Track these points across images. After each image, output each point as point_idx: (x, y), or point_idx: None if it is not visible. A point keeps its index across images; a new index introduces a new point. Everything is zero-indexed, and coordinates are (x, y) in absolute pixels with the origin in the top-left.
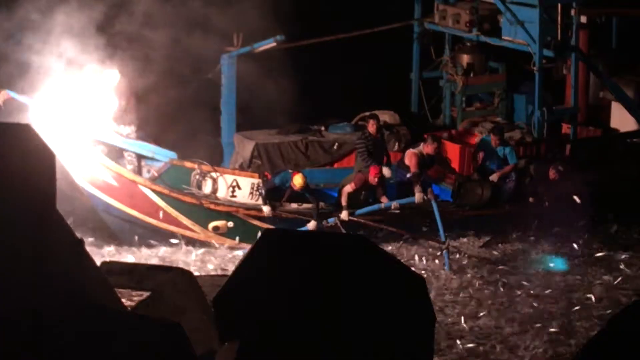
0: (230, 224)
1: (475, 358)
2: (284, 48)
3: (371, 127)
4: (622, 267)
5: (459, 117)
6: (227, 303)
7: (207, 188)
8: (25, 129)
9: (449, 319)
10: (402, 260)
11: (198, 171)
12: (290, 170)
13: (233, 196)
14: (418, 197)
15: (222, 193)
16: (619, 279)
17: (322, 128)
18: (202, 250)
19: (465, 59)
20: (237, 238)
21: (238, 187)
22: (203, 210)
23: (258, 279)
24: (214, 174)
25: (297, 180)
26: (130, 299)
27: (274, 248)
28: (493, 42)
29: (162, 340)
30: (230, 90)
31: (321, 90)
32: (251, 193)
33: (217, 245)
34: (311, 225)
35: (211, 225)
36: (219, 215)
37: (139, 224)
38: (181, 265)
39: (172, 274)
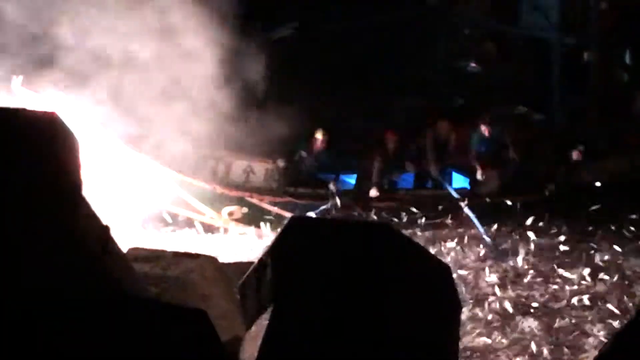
0: (244, 209)
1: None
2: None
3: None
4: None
5: None
6: (254, 290)
7: (221, 173)
8: (51, 116)
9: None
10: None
11: (212, 156)
12: None
13: (247, 181)
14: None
15: (236, 178)
16: None
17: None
18: (220, 236)
19: (489, 47)
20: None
21: (252, 173)
22: (216, 196)
23: (284, 265)
24: (227, 159)
25: (319, 134)
26: (157, 285)
27: (301, 235)
28: (513, 30)
29: (188, 328)
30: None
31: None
32: (265, 179)
33: (232, 231)
34: (373, 192)
35: (225, 210)
36: (232, 200)
37: (152, 209)
38: (202, 251)
39: (198, 260)
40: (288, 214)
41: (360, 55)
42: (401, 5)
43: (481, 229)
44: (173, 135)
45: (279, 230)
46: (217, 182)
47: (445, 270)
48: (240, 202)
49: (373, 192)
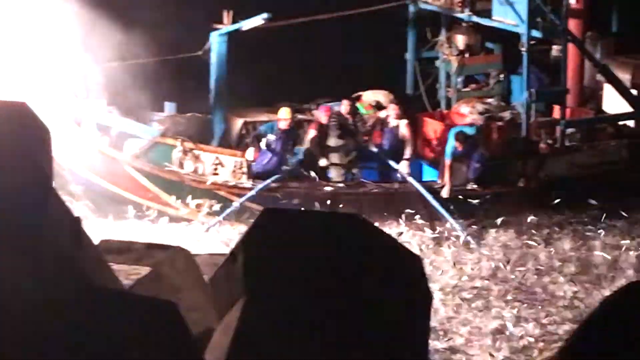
0: (213, 202)
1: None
2: (279, 26)
3: (344, 108)
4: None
5: (454, 97)
6: (225, 282)
7: (189, 166)
8: (21, 107)
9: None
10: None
11: (180, 149)
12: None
13: (216, 174)
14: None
15: (205, 171)
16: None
17: (313, 106)
18: (190, 227)
19: (460, 39)
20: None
21: (221, 165)
22: (185, 188)
23: (257, 257)
24: (196, 152)
25: (283, 112)
26: (128, 277)
27: (272, 227)
28: (484, 22)
29: (158, 320)
30: (221, 68)
31: (315, 69)
32: (234, 171)
33: (202, 223)
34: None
35: (194, 202)
36: (201, 193)
37: (122, 201)
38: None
39: (170, 252)
40: (256, 206)
41: (329, 46)
42: None
43: (455, 224)
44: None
45: (250, 222)
46: (185, 174)
47: (416, 260)
48: (209, 194)
49: (323, 162)
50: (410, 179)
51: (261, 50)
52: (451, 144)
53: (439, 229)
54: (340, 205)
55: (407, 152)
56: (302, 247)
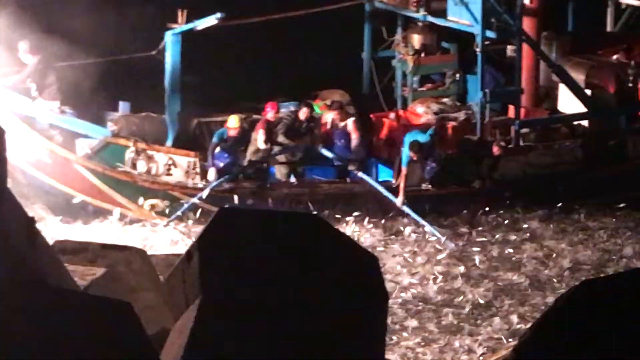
0: (166, 202)
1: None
2: (234, 25)
3: (302, 114)
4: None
5: (410, 97)
6: (181, 282)
7: (142, 166)
8: None
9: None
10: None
11: (133, 149)
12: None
13: (169, 174)
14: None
15: (158, 171)
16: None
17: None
18: (145, 228)
19: (416, 38)
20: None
21: (174, 166)
22: (138, 188)
23: (212, 257)
24: (149, 152)
25: (232, 121)
26: (83, 277)
27: (228, 226)
28: (439, 22)
29: (113, 320)
30: (175, 68)
31: (272, 68)
32: (188, 171)
33: (156, 224)
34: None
35: (147, 203)
36: (154, 193)
37: (73, 201)
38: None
39: (126, 252)
40: (210, 207)
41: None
42: None
43: (432, 229)
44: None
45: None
46: (138, 174)
47: (373, 260)
48: (162, 194)
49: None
50: (374, 183)
51: (217, 50)
52: (406, 152)
53: (391, 227)
54: (295, 204)
55: (353, 144)
56: (257, 246)
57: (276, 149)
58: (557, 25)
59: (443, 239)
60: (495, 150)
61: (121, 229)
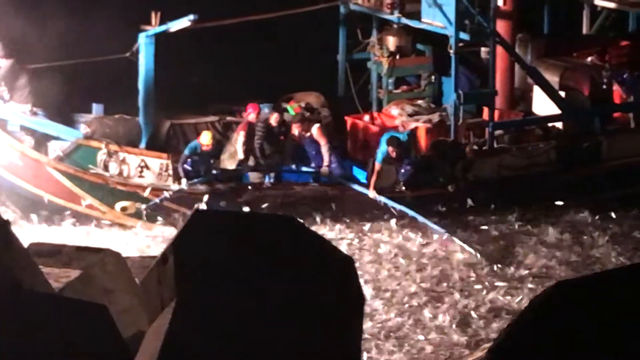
0: (138, 204)
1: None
2: (209, 27)
3: (274, 119)
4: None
5: (385, 99)
6: (156, 284)
7: (113, 168)
8: None
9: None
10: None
11: (105, 151)
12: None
13: (141, 176)
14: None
15: (130, 173)
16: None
17: (242, 109)
18: (119, 230)
19: (391, 41)
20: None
21: (146, 168)
22: (110, 190)
23: (188, 259)
24: (121, 154)
25: (205, 138)
26: (58, 280)
27: (203, 229)
28: (413, 25)
29: (87, 322)
30: (149, 70)
31: (247, 71)
32: (160, 173)
33: (128, 225)
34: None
35: (118, 205)
36: (126, 195)
37: (45, 203)
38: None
39: (101, 255)
40: (183, 209)
41: (261, 48)
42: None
43: (432, 225)
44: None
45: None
46: (110, 176)
47: (349, 263)
48: (134, 196)
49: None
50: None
51: (192, 52)
52: (383, 149)
53: (368, 228)
54: (265, 206)
55: (325, 159)
56: (233, 249)
57: (252, 161)
58: (533, 27)
59: (444, 233)
60: (469, 152)
61: (93, 231)
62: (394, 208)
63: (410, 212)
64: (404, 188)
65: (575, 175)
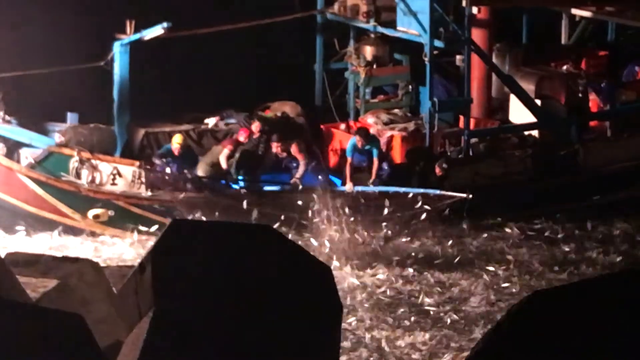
0: (111, 212)
1: None
2: (185, 36)
3: (255, 127)
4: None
5: (362, 108)
6: (134, 294)
7: (86, 176)
8: None
9: None
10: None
11: (77, 158)
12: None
13: (114, 184)
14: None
15: (103, 181)
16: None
17: (218, 118)
18: (92, 240)
19: (368, 50)
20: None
21: (119, 175)
22: (82, 198)
23: (165, 269)
24: (93, 162)
25: (176, 140)
26: (35, 290)
27: (181, 238)
28: (388, 33)
29: (63, 332)
30: (123, 78)
31: (223, 80)
32: (133, 181)
33: (104, 234)
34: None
35: (91, 213)
36: (98, 203)
37: (17, 211)
38: (72, 254)
39: (78, 264)
40: (155, 217)
41: (237, 58)
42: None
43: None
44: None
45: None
46: (82, 184)
47: (326, 272)
48: (107, 204)
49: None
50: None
51: (168, 61)
52: (352, 142)
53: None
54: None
55: (299, 171)
56: (210, 258)
57: (233, 171)
58: (512, 37)
59: (418, 190)
60: (438, 171)
61: (66, 240)
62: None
63: (391, 189)
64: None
65: (551, 184)
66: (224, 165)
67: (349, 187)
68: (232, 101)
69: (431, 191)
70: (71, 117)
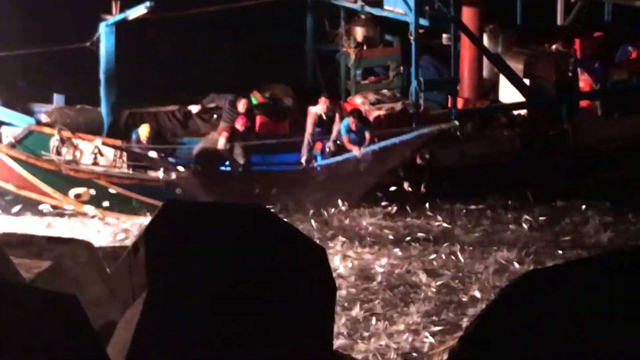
0: (92, 191)
1: None
2: (178, 17)
3: (240, 106)
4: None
5: (352, 90)
6: (128, 274)
7: (67, 154)
8: None
9: None
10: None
11: (57, 137)
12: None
13: (95, 163)
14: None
15: (84, 160)
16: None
17: (200, 106)
18: (69, 218)
19: (359, 31)
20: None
21: (100, 154)
22: (63, 177)
23: (159, 249)
24: (74, 140)
25: (142, 133)
26: (29, 271)
27: (175, 219)
28: (375, 12)
29: (58, 312)
30: (110, 59)
31: (212, 61)
32: (114, 160)
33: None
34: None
35: (72, 192)
36: (79, 182)
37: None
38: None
39: (71, 245)
40: (137, 196)
41: (228, 39)
42: None
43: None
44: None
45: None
46: (63, 163)
47: (321, 252)
48: (88, 183)
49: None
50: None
51: (158, 42)
52: (345, 123)
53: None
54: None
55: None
56: (205, 239)
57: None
58: (506, 18)
59: (413, 134)
60: (418, 160)
61: (48, 219)
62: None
63: (389, 142)
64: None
65: (540, 163)
66: (221, 146)
67: (357, 151)
68: (222, 83)
69: (424, 130)
70: (57, 98)
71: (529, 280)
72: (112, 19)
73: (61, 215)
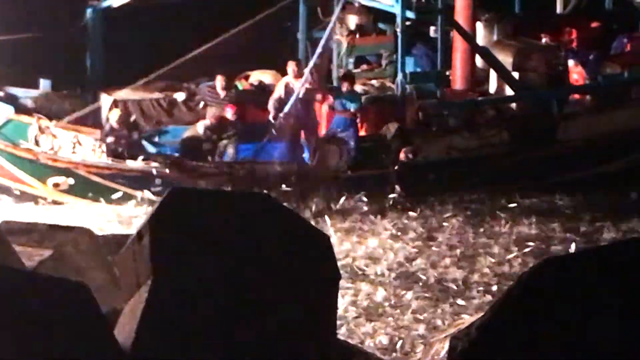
0: (71, 180)
1: None
2: (164, 3)
3: (218, 83)
4: None
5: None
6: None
7: (45, 143)
8: None
9: None
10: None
11: (36, 126)
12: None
13: (74, 152)
14: None
15: (63, 149)
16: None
17: (192, 86)
18: (49, 207)
19: (352, 19)
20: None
21: (79, 143)
22: (41, 166)
23: (163, 237)
24: (53, 129)
25: (113, 118)
26: (31, 259)
27: (179, 206)
28: (363, 2)
29: (69, 299)
30: (96, 45)
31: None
32: (93, 149)
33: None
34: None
35: (50, 181)
36: (58, 171)
37: None
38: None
39: (73, 232)
40: (117, 185)
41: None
42: None
43: None
44: None
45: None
46: (41, 152)
47: (325, 240)
48: (66, 172)
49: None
50: None
51: (146, 29)
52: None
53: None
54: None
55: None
56: (209, 226)
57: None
58: (505, 7)
59: None
60: (402, 157)
61: (26, 209)
62: None
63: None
64: (348, 170)
65: (528, 157)
66: (200, 132)
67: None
68: (213, 70)
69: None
70: (44, 84)
71: (546, 268)
72: (99, 4)
73: (38, 203)
